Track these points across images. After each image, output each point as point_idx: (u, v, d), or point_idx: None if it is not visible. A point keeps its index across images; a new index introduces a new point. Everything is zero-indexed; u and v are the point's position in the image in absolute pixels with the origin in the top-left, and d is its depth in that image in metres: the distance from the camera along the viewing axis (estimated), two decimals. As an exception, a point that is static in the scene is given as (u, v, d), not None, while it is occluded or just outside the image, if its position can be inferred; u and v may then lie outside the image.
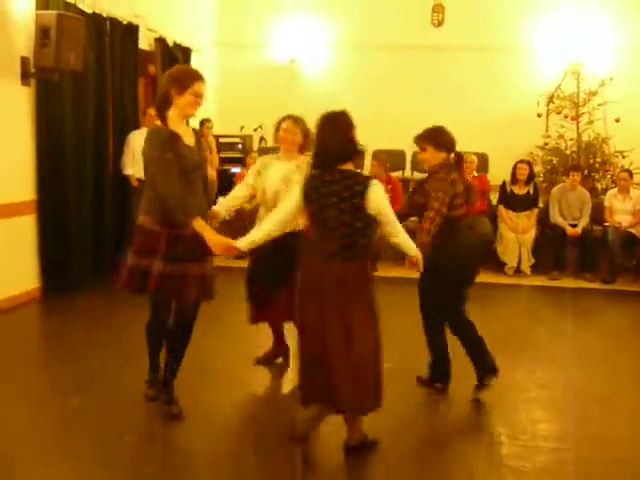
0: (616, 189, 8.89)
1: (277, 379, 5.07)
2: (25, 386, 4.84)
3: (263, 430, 4.25)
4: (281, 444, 3.82)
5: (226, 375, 5.09)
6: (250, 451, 3.97)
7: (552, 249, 8.83)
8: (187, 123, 4.30)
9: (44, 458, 3.81)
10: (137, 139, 7.95)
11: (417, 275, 4.47)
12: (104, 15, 7.55)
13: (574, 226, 8.66)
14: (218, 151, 9.79)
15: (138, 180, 7.80)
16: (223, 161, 9.94)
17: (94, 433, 4.08)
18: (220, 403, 4.56)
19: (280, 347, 5.21)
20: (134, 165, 7.92)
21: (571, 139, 9.63)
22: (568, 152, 9.59)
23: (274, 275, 4.73)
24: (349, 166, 3.67)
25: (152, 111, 8.04)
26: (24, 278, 6.79)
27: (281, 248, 4.40)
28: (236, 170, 9.68)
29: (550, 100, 9.68)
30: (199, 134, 4.37)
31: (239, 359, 5.36)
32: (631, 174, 8.78)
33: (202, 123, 9.38)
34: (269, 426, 4.30)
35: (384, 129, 8.83)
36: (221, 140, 9.98)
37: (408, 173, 10.05)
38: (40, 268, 6.98)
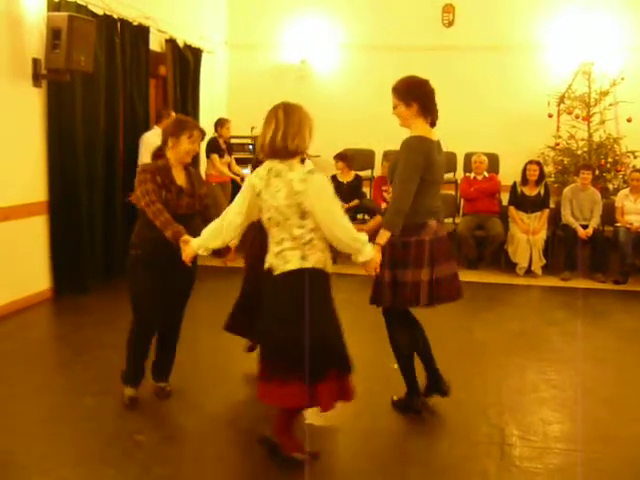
0: (628, 189, 8.86)
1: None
2: (38, 386, 4.85)
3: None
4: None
5: (234, 373, 5.10)
6: (260, 451, 3.97)
7: (563, 250, 8.81)
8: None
9: (58, 458, 3.82)
10: (155, 140, 8.07)
11: None
12: (115, 17, 7.57)
13: (585, 226, 8.64)
14: (230, 152, 9.72)
15: None
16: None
17: (107, 433, 4.10)
18: (232, 402, 4.56)
19: None
20: None
21: (582, 139, 9.59)
22: (579, 152, 9.55)
23: None
24: None
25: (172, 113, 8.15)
26: (36, 279, 6.82)
27: None
28: (246, 171, 9.66)
29: (561, 100, 9.64)
30: None
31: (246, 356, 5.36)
32: (643, 174, 8.75)
33: (221, 123, 9.36)
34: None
35: (394, 130, 8.80)
36: (232, 141, 9.99)
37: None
38: (52, 269, 7.02)
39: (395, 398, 4.54)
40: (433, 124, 4.30)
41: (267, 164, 3.62)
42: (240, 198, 3.71)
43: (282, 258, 3.58)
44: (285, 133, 3.53)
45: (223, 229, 3.76)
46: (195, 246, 3.89)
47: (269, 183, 3.56)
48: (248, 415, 4.44)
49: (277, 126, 3.54)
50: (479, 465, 3.84)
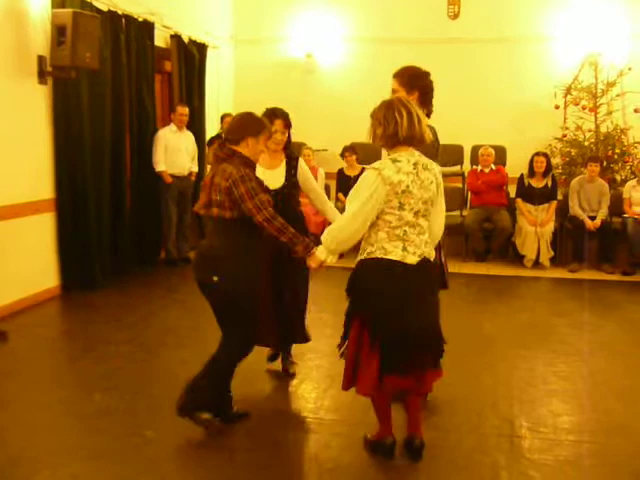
0: (635, 180, 8.84)
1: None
2: (48, 382, 4.87)
3: (283, 426, 4.27)
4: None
5: (247, 371, 5.09)
6: (269, 446, 3.97)
7: (571, 241, 8.80)
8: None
9: (67, 453, 3.83)
10: (167, 136, 8.27)
11: None
12: (119, 12, 7.57)
13: (593, 218, 8.61)
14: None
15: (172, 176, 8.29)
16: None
17: (116, 429, 4.11)
18: (244, 398, 4.56)
19: None
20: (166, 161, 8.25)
21: (589, 130, 9.54)
22: (586, 144, 9.51)
23: None
24: None
25: (184, 109, 8.43)
26: (44, 276, 6.84)
27: None
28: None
29: (568, 91, 9.60)
30: None
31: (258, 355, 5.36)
32: (651, 164, 8.72)
33: (222, 118, 9.38)
34: (292, 422, 4.33)
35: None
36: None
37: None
38: (60, 266, 7.04)
39: None
40: (427, 117, 4.20)
41: (408, 158, 3.50)
42: (367, 204, 3.44)
43: (430, 246, 3.68)
44: (422, 121, 3.51)
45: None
46: (323, 255, 3.72)
47: (419, 177, 3.51)
48: (259, 410, 4.45)
49: (411, 114, 3.48)
50: (489, 457, 3.84)
